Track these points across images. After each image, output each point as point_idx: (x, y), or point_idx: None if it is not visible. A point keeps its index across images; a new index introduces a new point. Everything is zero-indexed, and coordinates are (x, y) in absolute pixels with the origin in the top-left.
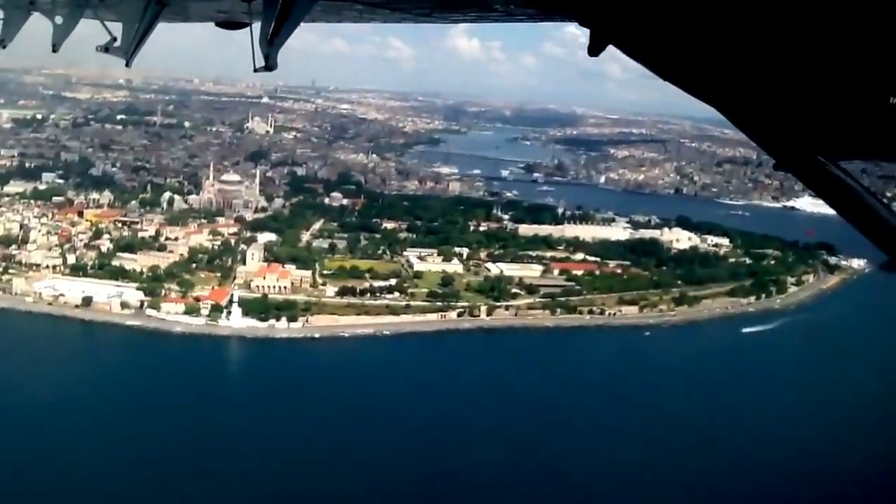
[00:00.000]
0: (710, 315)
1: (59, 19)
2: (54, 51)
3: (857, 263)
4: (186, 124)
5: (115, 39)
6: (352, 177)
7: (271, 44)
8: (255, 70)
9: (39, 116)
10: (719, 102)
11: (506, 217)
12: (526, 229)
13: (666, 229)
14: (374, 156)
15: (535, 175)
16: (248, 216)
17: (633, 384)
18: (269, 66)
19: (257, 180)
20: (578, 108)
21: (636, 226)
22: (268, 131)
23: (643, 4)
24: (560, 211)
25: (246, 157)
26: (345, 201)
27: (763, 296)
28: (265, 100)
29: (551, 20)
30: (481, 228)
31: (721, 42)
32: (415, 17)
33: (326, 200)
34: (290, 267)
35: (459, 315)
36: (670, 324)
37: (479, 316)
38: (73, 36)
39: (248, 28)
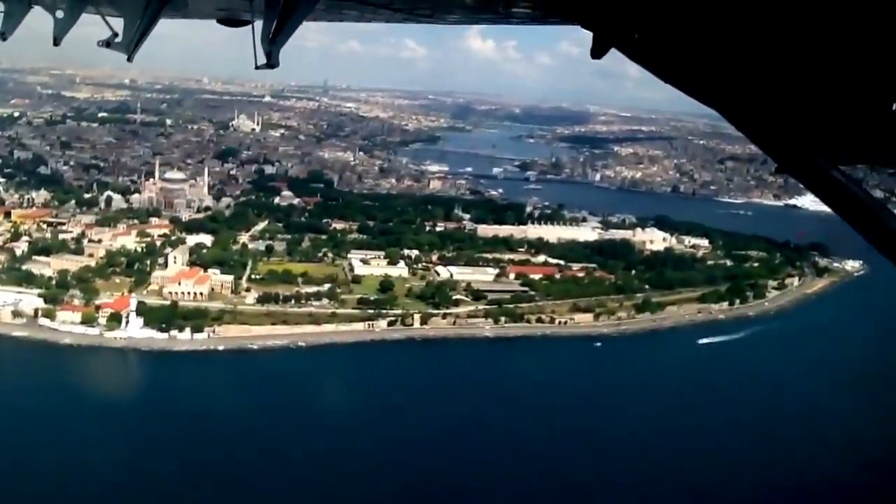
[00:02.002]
0: (674, 323)
1: (60, 14)
2: (56, 44)
3: (851, 265)
4: (168, 122)
5: (116, 35)
6: (324, 175)
7: (273, 42)
8: (257, 67)
9: (17, 114)
10: (721, 105)
11: (466, 217)
12: (486, 230)
13: (639, 229)
14: (361, 154)
15: (528, 173)
16: (188, 216)
17: (557, 401)
18: (271, 63)
19: (206, 178)
20: (592, 107)
21: (608, 226)
22: (253, 129)
23: (646, 8)
24: (528, 210)
25: (215, 155)
26: (296, 201)
27: (738, 301)
28: (267, 98)
29: (554, 23)
30: (438, 229)
31: (722, 45)
32: (416, 18)
33: (276, 200)
34: (215, 271)
35: (390, 324)
36: (628, 333)
37: (411, 325)
38: (89, 38)
39: (250, 25)
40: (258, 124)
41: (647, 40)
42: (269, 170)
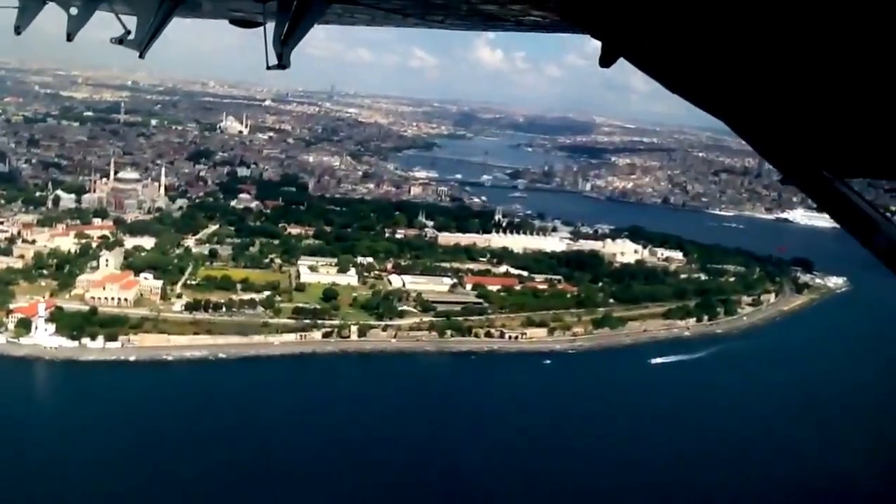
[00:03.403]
0: (634, 340)
1: (73, 10)
2: (69, 40)
3: (834, 282)
4: (153, 122)
5: (129, 32)
6: (300, 179)
7: (285, 44)
8: (268, 68)
9: None
10: (727, 115)
11: (430, 224)
12: (447, 238)
13: (610, 241)
14: (348, 158)
15: (518, 181)
16: (134, 217)
17: (484, 421)
18: (282, 65)
19: (162, 179)
20: (598, 118)
21: (578, 236)
22: (241, 132)
23: (654, 18)
24: (497, 218)
25: (189, 156)
26: (253, 204)
27: (707, 318)
28: (268, 102)
29: (563, 32)
30: (397, 236)
31: (730, 55)
32: (427, 24)
33: (233, 203)
34: (148, 276)
35: (325, 336)
36: (582, 349)
37: (348, 337)
38: (97, 40)
39: (262, 27)
40: (247, 127)
41: (655, 50)
42: (242, 172)
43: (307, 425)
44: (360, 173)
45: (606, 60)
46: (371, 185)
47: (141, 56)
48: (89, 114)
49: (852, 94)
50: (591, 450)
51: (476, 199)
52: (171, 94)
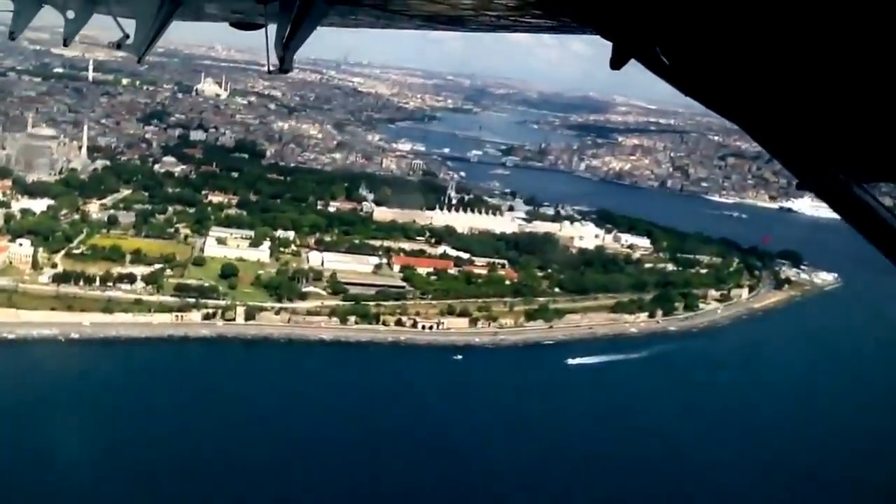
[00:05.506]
0: (567, 336)
1: (70, 14)
2: (65, 45)
3: (822, 278)
4: (124, 81)
5: (127, 36)
6: (258, 145)
7: (286, 47)
8: (269, 72)
9: None
10: (741, 118)
11: (370, 197)
12: (384, 213)
13: (568, 223)
14: (328, 127)
15: (508, 158)
16: (37, 178)
17: (338, 425)
18: (284, 68)
19: (85, 138)
20: (619, 97)
21: (533, 217)
22: (217, 94)
23: (667, 20)
24: (450, 194)
25: (142, 117)
26: (178, 168)
27: (661, 313)
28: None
29: (573, 32)
30: (330, 209)
31: (744, 58)
32: (432, 25)
33: (157, 167)
34: (24, 242)
35: (207, 318)
36: (503, 345)
37: (233, 320)
38: None
39: (263, 30)
40: (226, 90)
41: (666, 52)
42: (197, 136)
43: (130, 417)
44: (334, 143)
45: (617, 62)
46: (337, 156)
47: (139, 61)
48: (59, 70)
49: (870, 94)
50: (446, 464)
51: (455, 175)
52: (171, 57)
